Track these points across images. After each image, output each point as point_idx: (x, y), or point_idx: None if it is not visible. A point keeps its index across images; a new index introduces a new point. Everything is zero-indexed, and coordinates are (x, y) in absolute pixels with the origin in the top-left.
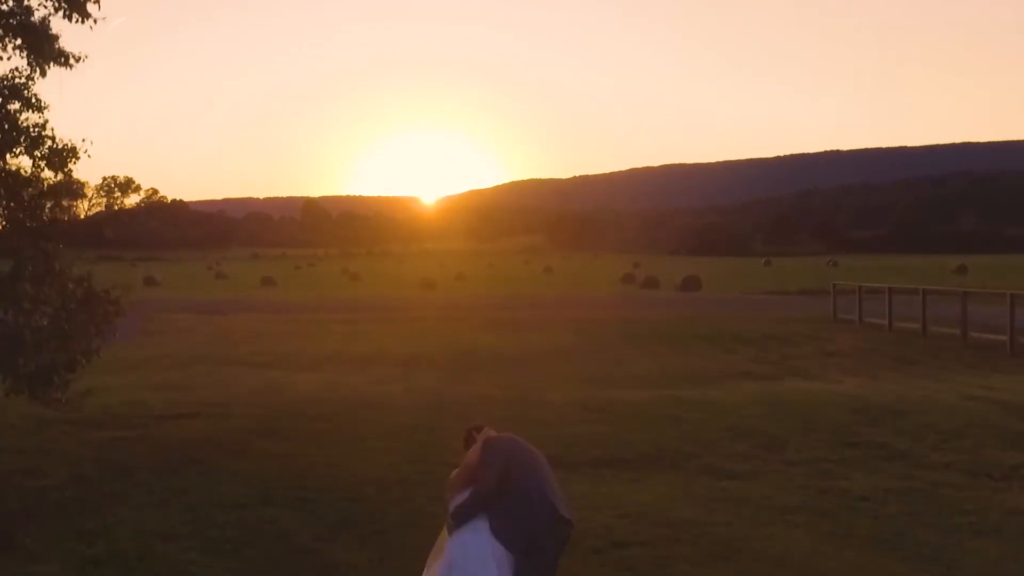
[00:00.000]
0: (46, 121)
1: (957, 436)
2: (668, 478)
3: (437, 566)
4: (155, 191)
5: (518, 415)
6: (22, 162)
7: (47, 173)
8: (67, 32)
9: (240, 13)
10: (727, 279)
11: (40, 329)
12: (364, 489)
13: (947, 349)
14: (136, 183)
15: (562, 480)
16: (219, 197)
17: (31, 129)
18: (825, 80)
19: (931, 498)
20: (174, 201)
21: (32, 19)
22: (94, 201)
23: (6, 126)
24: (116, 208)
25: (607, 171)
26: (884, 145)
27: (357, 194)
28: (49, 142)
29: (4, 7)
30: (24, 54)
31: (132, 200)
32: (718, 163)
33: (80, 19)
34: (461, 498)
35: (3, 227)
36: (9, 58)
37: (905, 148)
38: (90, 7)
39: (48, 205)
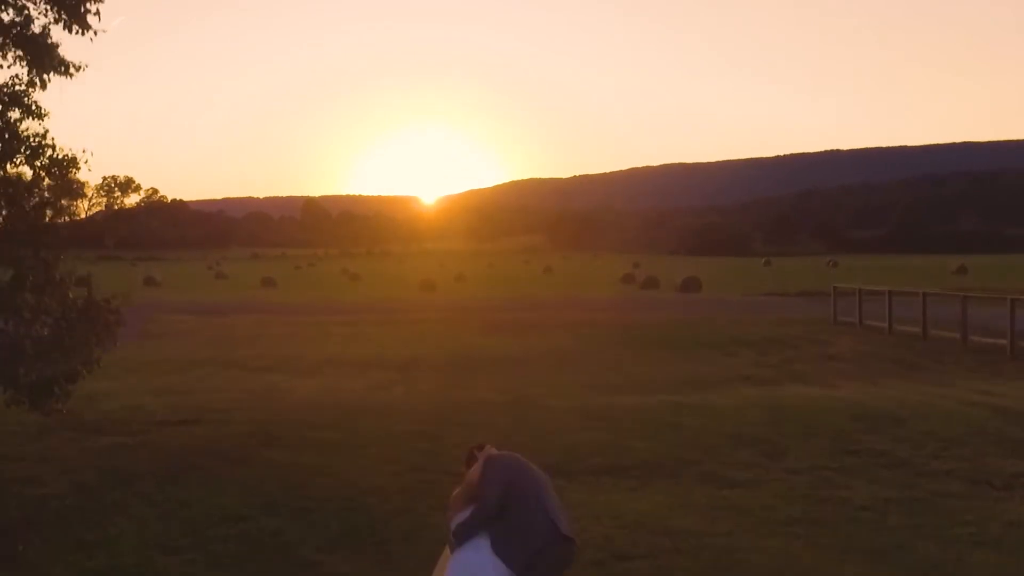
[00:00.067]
0: (47, 131)
1: (957, 444)
2: (668, 486)
3: None
4: (155, 191)
5: (518, 422)
6: (22, 170)
7: (47, 182)
8: (67, 36)
9: (240, 13)
10: (727, 280)
11: (41, 339)
12: (366, 499)
13: (947, 353)
14: (136, 183)
15: (562, 489)
16: (219, 197)
17: (31, 139)
18: (825, 80)
19: (931, 508)
20: (174, 201)
21: (32, 29)
22: (94, 201)
23: (7, 135)
24: (116, 208)
25: (607, 171)
26: (884, 145)
27: (357, 193)
28: (50, 151)
29: (4, 15)
30: (24, 63)
31: (132, 200)
32: (718, 163)
33: (80, 31)
34: (463, 516)
35: (3, 235)
36: (10, 66)
37: (905, 148)
38: (91, 19)
39: (49, 214)
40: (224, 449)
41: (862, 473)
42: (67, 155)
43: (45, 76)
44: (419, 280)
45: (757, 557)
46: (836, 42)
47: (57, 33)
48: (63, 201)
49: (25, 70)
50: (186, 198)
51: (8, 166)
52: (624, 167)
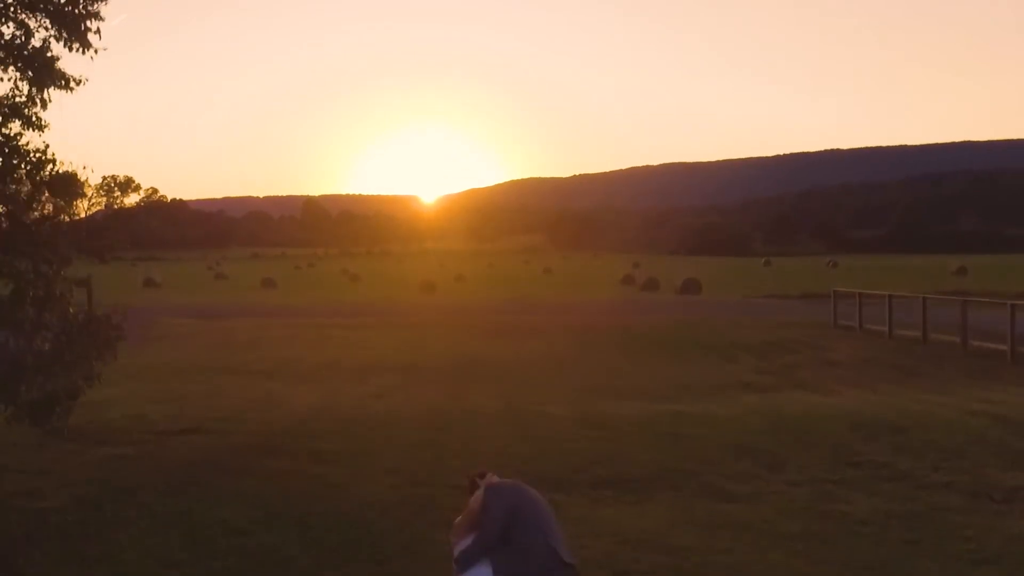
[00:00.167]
0: (47, 146)
1: (958, 455)
2: (669, 499)
3: None
4: (155, 190)
5: (517, 431)
6: (21, 188)
7: (47, 196)
8: (67, 52)
9: (240, 13)
10: (727, 280)
11: (42, 353)
12: (365, 513)
13: (948, 358)
14: (136, 182)
15: (562, 503)
16: (219, 196)
17: (32, 154)
18: (825, 80)
19: (932, 522)
20: (174, 200)
21: (32, 44)
22: (94, 200)
23: (6, 150)
24: (116, 207)
25: (607, 170)
26: (884, 145)
27: (357, 193)
28: (50, 166)
29: (5, 29)
30: (25, 80)
31: (132, 199)
32: (718, 163)
33: (81, 50)
34: (465, 544)
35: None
36: (10, 79)
37: (905, 148)
38: (91, 37)
39: (47, 227)
40: (224, 459)
41: (862, 486)
42: (69, 171)
43: (46, 93)
44: (419, 281)
45: (758, 573)
46: (836, 42)
47: (57, 48)
48: (64, 216)
49: (26, 85)
50: (186, 198)
51: (8, 180)
52: (624, 167)
